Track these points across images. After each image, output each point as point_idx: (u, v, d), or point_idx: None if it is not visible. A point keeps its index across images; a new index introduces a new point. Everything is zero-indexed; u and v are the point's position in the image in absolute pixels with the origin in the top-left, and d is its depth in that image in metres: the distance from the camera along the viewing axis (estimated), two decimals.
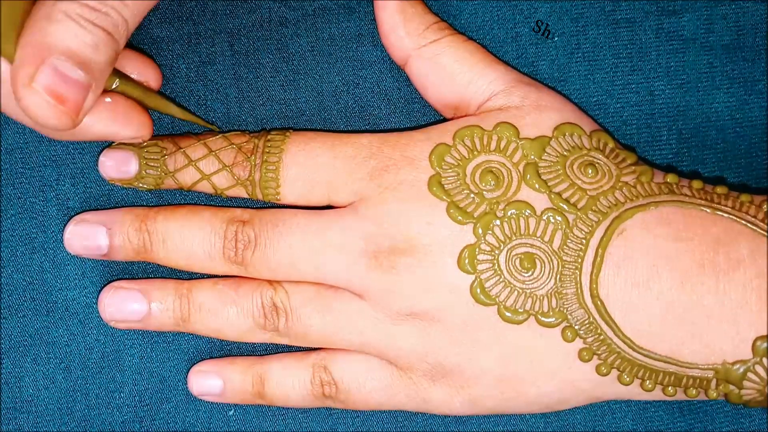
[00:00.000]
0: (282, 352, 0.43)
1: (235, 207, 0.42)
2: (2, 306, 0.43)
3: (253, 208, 0.42)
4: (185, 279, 0.42)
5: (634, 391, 0.38)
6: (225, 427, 0.43)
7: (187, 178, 0.41)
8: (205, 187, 0.41)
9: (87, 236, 0.41)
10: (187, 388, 0.43)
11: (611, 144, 0.40)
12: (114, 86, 0.38)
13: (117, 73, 0.39)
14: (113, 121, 0.38)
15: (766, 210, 0.38)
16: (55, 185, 0.43)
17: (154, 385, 0.43)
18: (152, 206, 0.42)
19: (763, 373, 0.36)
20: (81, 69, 0.34)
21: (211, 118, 0.43)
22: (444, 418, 0.43)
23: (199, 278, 0.42)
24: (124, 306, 0.41)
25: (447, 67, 0.40)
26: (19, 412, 0.43)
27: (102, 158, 0.41)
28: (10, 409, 0.43)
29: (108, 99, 0.38)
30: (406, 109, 0.43)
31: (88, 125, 0.37)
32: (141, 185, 0.41)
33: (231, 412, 0.43)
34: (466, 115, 0.41)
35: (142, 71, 0.41)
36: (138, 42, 0.42)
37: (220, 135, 0.41)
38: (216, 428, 0.43)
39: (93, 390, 0.43)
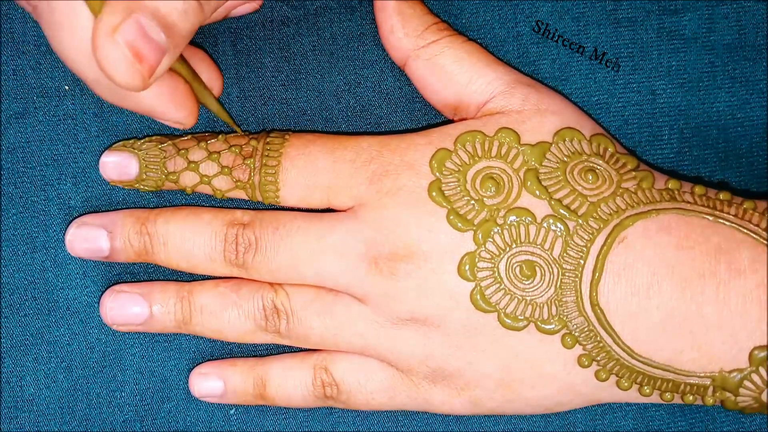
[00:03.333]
0: (283, 352, 0.43)
1: (235, 208, 0.42)
2: (3, 305, 0.43)
3: (254, 208, 0.42)
4: (187, 280, 0.42)
5: (632, 395, 0.39)
6: (226, 426, 0.44)
7: (187, 180, 0.41)
8: (205, 189, 0.41)
9: (88, 239, 0.41)
10: (188, 387, 0.43)
11: (611, 148, 0.39)
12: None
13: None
14: (169, 99, 0.37)
15: None
16: (56, 184, 0.43)
17: (155, 385, 0.43)
18: (153, 207, 0.42)
19: (759, 381, 0.37)
20: (164, 32, 0.33)
21: (213, 117, 0.43)
22: (444, 418, 0.43)
23: (201, 280, 0.42)
24: (125, 309, 0.41)
25: (445, 68, 0.40)
26: (20, 411, 0.43)
27: (103, 160, 0.41)
28: (11, 408, 0.43)
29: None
30: (407, 109, 0.43)
31: (144, 95, 0.36)
32: (141, 187, 0.41)
33: (232, 412, 0.44)
34: (466, 117, 0.40)
35: (203, 68, 0.40)
36: None
37: (220, 137, 0.41)
38: (217, 428, 0.44)
39: (94, 389, 0.43)
